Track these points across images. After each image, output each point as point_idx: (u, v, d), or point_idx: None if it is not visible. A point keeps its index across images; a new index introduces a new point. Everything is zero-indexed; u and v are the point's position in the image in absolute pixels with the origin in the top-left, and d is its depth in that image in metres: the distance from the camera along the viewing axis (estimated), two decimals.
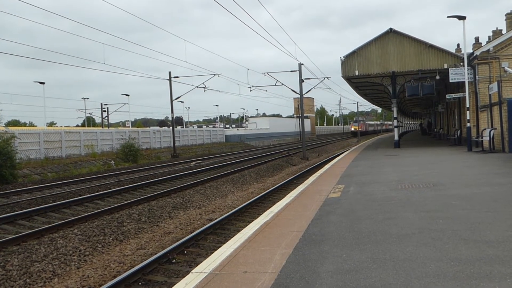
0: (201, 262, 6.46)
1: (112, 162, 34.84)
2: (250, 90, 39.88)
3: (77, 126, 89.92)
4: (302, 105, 38.10)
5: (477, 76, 24.88)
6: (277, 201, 12.16)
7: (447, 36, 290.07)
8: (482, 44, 29.01)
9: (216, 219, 13.27)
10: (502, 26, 30.63)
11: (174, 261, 9.40)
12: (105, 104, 67.05)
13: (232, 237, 7.73)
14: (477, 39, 31.98)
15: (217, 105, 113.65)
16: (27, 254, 9.50)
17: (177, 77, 35.02)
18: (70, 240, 10.57)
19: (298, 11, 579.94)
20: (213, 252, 6.88)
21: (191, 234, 11.14)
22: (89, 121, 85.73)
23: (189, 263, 9.27)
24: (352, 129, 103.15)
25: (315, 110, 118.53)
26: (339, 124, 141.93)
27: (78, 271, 9.11)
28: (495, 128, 21.37)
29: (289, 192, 13.44)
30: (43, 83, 49.00)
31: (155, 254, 9.83)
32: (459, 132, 30.59)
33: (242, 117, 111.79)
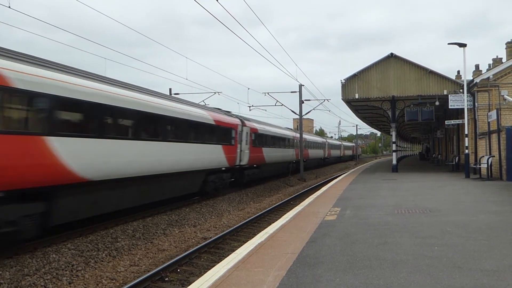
0: (194, 281, 6.40)
1: None
2: (250, 110, 40.04)
3: None
4: (301, 126, 38.18)
5: (476, 103, 25.03)
6: (273, 222, 12.12)
7: (444, 62, 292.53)
8: (482, 72, 29.23)
9: (211, 237, 13.21)
10: (501, 54, 30.91)
11: (167, 279, 9.33)
12: None
13: (226, 257, 7.68)
14: (477, 66, 32.24)
15: None
16: (19, 267, 9.40)
17: (177, 94, 35.12)
18: (63, 255, 10.48)
19: (295, 32, 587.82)
20: (206, 272, 6.83)
21: (185, 253, 11.08)
22: None
23: (182, 282, 9.20)
24: None
25: (314, 132, 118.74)
26: None
27: (69, 286, 9.01)
28: (493, 156, 21.40)
29: (285, 213, 13.38)
30: None
31: (148, 271, 9.75)
32: (457, 158, 30.63)
33: None
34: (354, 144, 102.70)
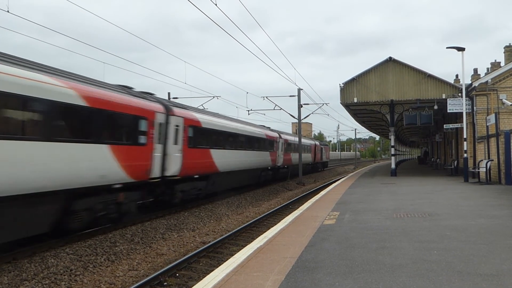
0: (192, 285, 6.38)
1: None
2: (249, 114, 39.85)
3: None
4: (300, 130, 38.19)
5: (475, 107, 25.07)
6: (272, 226, 12.11)
7: (442, 66, 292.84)
8: (481, 76, 29.28)
9: (209, 242, 13.18)
10: (499, 57, 30.95)
11: (165, 283, 9.30)
12: None
13: (225, 261, 7.67)
14: (475, 70, 32.28)
15: None
16: (17, 272, 9.38)
17: (176, 98, 35.10)
18: (62, 259, 10.45)
19: (293, 36, 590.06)
20: (205, 276, 6.81)
21: (184, 257, 11.05)
22: None
23: (180, 286, 9.18)
24: None
25: (312, 136, 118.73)
26: (337, 150, 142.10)
27: None
28: (492, 160, 21.41)
29: (284, 217, 13.36)
30: None
31: (147, 276, 9.73)
32: (456, 162, 30.63)
33: None
34: (316, 142, 54.66)
